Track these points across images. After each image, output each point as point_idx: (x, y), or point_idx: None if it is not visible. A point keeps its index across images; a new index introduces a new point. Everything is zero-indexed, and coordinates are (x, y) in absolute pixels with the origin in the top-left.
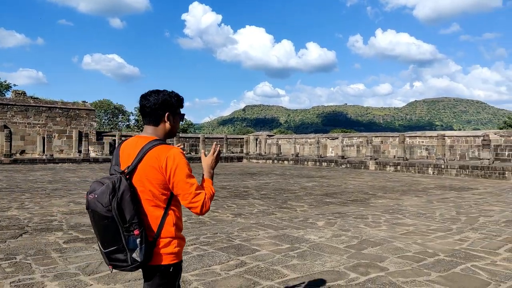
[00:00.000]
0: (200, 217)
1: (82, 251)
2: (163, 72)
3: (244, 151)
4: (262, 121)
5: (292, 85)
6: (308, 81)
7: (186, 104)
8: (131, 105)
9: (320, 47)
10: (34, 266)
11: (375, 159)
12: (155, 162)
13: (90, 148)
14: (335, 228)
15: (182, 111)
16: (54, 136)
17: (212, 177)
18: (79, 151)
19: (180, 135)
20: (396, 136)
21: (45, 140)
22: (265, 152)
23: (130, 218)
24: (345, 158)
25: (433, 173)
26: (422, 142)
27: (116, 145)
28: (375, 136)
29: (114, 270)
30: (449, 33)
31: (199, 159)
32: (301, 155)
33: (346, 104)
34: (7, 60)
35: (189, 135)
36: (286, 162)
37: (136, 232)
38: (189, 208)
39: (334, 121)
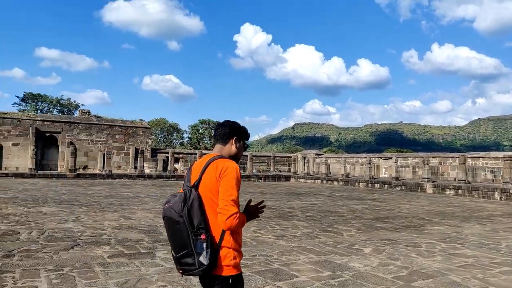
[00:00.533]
0: (243, 238)
1: (123, 266)
2: (215, 91)
3: (292, 170)
4: (312, 139)
5: (343, 102)
6: (359, 98)
7: None
8: (185, 123)
9: (372, 63)
10: (77, 279)
11: (433, 182)
12: (214, 172)
13: (145, 165)
14: (383, 256)
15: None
16: (113, 152)
17: (247, 220)
18: (135, 167)
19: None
20: (456, 157)
21: (105, 156)
22: (314, 172)
23: (198, 224)
24: (400, 180)
25: (500, 198)
26: (486, 163)
27: (189, 167)
28: (433, 157)
29: (184, 276)
30: None
31: (247, 177)
32: (352, 175)
33: (401, 122)
34: (77, 82)
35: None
36: (335, 182)
37: (203, 236)
38: (219, 213)
39: (389, 140)
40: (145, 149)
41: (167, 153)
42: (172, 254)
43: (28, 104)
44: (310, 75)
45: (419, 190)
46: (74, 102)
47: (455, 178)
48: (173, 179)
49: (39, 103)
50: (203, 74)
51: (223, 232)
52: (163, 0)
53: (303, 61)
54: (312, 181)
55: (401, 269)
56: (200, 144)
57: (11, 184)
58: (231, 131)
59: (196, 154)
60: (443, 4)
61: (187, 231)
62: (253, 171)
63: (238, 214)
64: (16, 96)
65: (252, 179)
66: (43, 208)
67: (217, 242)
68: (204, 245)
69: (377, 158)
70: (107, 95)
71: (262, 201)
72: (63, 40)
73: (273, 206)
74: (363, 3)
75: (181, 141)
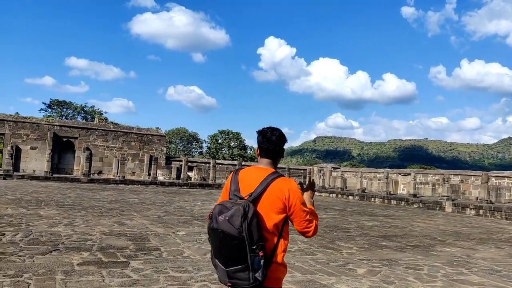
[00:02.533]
0: None
1: (87, 275)
2: (237, 102)
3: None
4: (333, 153)
5: (367, 117)
6: (384, 113)
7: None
8: (205, 133)
9: (398, 78)
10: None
11: (453, 200)
12: (279, 193)
13: (159, 172)
14: (376, 279)
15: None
16: (128, 159)
17: (313, 204)
18: (149, 174)
19: (243, 163)
20: (479, 175)
21: (120, 162)
22: (329, 185)
23: (257, 240)
24: (418, 197)
25: None
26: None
27: (233, 173)
28: (454, 174)
29: None
30: None
31: None
32: (368, 190)
33: (426, 138)
34: (104, 91)
35: (249, 163)
36: (350, 197)
37: (260, 253)
38: (303, 233)
39: (413, 156)
40: (160, 156)
41: (181, 161)
42: (219, 266)
43: (53, 111)
44: (333, 88)
45: (437, 208)
46: (98, 109)
47: (477, 198)
48: (185, 187)
49: (64, 110)
50: (226, 85)
51: (275, 248)
52: (190, 13)
53: (327, 75)
54: (327, 194)
55: None
56: (219, 154)
57: (24, 186)
58: (281, 145)
59: (209, 163)
60: (474, 19)
61: (245, 247)
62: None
63: (316, 223)
64: (43, 103)
65: None
66: (42, 211)
67: (270, 257)
68: (262, 262)
69: (395, 174)
70: (132, 104)
71: (312, 179)
72: (92, 51)
73: None
74: (389, 18)
75: (200, 150)
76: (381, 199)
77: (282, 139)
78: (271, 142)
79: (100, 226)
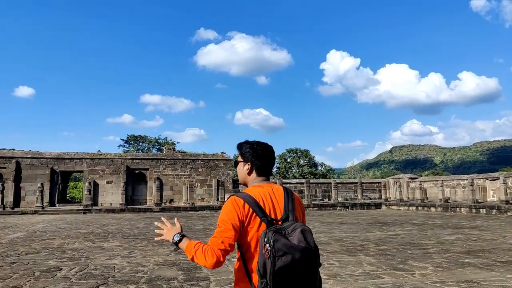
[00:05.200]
0: None
1: None
2: (305, 120)
3: (383, 196)
4: (412, 162)
5: (446, 120)
6: (465, 115)
7: (329, 149)
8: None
9: (477, 76)
10: None
11: None
12: (299, 201)
13: (226, 196)
14: None
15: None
16: (197, 185)
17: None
18: (217, 199)
19: (311, 181)
20: None
21: (188, 189)
22: (408, 198)
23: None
24: (511, 204)
25: None
26: None
27: (243, 203)
28: None
29: None
30: None
31: (332, 206)
32: (452, 200)
33: None
34: (177, 122)
35: (321, 180)
36: (432, 209)
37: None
38: None
39: (505, 158)
40: (226, 180)
41: None
42: None
43: (130, 145)
44: (405, 94)
45: None
46: (170, 140)
47: None
48: None
49: (140, 144)
50: (291, 104)
51: None
52: (250, 38)
53: (397, 81)
54: (406, 208)
55: None
56: (289, 173)
57: (100, 219)
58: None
59: (276, 183)
60: None
61: (317, 266)
62: (339, 199)
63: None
64: (121, 139)
65: (338, 208)
66: (106, 243)
67: None
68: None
69: (482, 179)
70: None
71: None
72: (163, 86)
73: (345, 238)
74: (458, 13)
75: None
76: (467, 209)
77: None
78: (272, 165)
79: (156, 256)
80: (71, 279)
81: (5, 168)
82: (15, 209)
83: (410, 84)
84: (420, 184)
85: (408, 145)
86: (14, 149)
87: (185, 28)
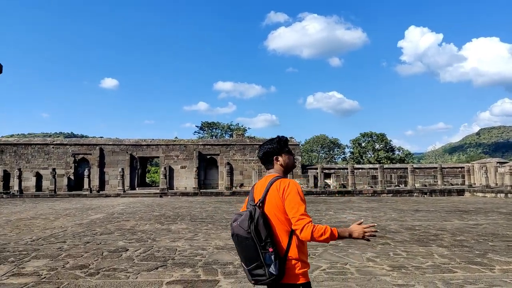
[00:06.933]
0: (345, 267)
1: None
2: (381, 102)
3: (467, 182)
4: (504, 145)
5: None
6: None
7: (408, 133)
8: (347, 138)
9: None
10: None
11: None
12: (276, 193)
13: (296, 181)
14: None
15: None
16: (265, 170)
17: (342, 235)
18: None
19: (385, 166)
20: None
21: (258, 174)
22: (496, 184)
23: (265, 238)
24: None
25: None
26: None
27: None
28: None
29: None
30: None
31: (408, 192)
32: None
33: None
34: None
35: (396, 165)
36: None
37: (270, 249)
38: (295, 230)
39: None
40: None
41: (317, 169)
42: (243, 267)
43: (204, 132)
44: (496, 71)
45: None
46: (242, 126)
47: None
48: (323, 195)
49: (213, 130)
50: (367, 86)
51: (289, 245)
52: (322, 19)
53: (486, 57)
54: (493, 195)
55: None
56: (363, 158)
57: (174, 202)
58: (270, 152)
59: (347, 169)
60: None
61: (255, 245)
62: (416, 185)
63: (308, 223)
64: (196, 126)
65: (415, 194)
66: (174, 226)
67: (284, 254)
68: (272, 257)
69: None
70: (275, 118)
71: (374, 225)
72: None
73: (417, 227)
74: None
75: (343, 156)
76: None
77: (267, 148)
78: (259, 157)
79: (218, 240)
80: (134, 259)
81: (90, 154)
82: (100, 192)
83: (502, 60)
84: (510, 169)
85: (499, 127)
86: (101, 137)
87: (255, 13)
